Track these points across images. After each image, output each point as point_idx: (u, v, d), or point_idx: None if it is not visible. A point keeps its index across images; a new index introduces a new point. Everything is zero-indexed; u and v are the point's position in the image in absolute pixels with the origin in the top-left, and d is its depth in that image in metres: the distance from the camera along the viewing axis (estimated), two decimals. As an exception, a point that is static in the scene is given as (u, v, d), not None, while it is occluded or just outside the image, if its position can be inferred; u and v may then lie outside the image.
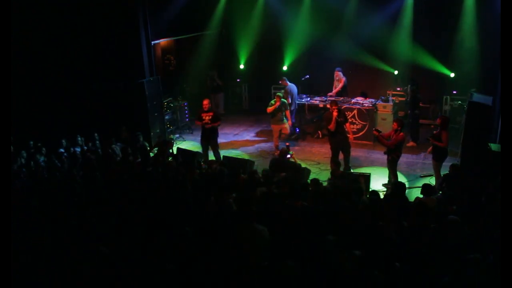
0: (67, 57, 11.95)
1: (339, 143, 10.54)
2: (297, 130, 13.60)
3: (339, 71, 13.66)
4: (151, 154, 10.63)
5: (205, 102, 10.97)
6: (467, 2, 12.45)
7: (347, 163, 10.67)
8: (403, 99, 13.41)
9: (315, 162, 11.46)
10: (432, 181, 9.67)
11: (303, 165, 10.20)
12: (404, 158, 10.55)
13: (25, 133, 10.54)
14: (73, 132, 10.86)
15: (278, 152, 10.60)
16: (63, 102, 11.81)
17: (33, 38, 11.57)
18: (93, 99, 11.97)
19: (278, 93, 12.08)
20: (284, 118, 12.02)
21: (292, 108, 13.13)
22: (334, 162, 9.49)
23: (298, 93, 13.85)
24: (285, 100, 12.15)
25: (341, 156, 10.55)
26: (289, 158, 9.76)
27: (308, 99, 13.54)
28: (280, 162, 9.53)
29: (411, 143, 12.09)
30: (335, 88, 13.79)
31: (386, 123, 12.24)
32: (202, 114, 10.92)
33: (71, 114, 11.63)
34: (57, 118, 11.51)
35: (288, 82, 13.20)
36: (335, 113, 10.28)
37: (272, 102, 11.86)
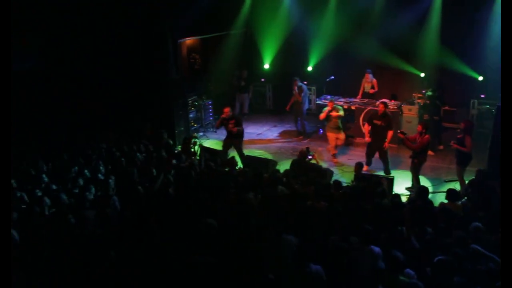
0: (93, 55, 12.08)
1: (376, 148, 10.60)
2: (321, 130, 13.55)
3: (369, 73, 13.52)
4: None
5: (226, 110, 11.07)
6: (497, 4, 12.18)
7: (387, 170, 10.65)
8: (428, 102, 13.15)
9: (339, 164, 11.40)
10: (457, 186, 9.50)
11: (325, 167, 10.16)
12: (428, 162, 10.39)
13: (51, 133, 10.78)
14: (98, 130, 11.03)
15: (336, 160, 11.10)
16: (87, 100, 11.92)
17: (62, 39, 11.73)
18: (118, 96, 12.12)
19: (330, 98, 11.81)
20: (340, 125, 11.64)
21: (306, 107, 13.37)
22: (358, 164, 9.43)
23: (323, 94, 13.84)
24: (340, 107, 11.76)
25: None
26: (310, 159, 9.69)
27: (333, 100, 13.42)
28: (301, 163, 9.49)
29: (428, 152, 11.66)
30: (363, 89, 13.68)
31: (411, 126, 12.07)
32: (224, 121, 11.05)
33: (95, 111, 11.76)
34: (82, 116, 11.64)
35: (299, 83, 13.19)
36: (378, 122, 10.45)
37: (325, 108, 11.57)
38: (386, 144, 10.51)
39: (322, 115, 11.55)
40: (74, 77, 11.88)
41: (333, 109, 11.45)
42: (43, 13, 11.17)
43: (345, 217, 6.67)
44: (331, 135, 11.63)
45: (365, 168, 10.38)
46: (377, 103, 11.79)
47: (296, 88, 13.10)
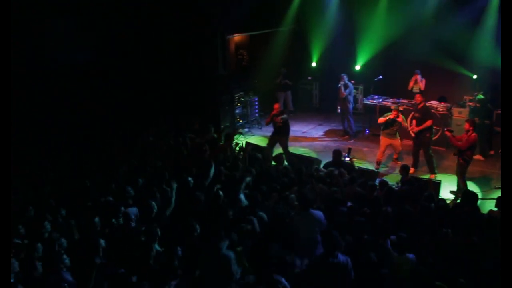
0: (143, 50, 12.35)
1: (418, 142, 10.59)
2: (367, 131, 13.40)
3: (418, 73, 13.19)
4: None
5: (276, 106, 11.34)
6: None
7: (431, 169, 10.51)
8: (478, 105, 12.72)
9: (384, 165, 11.24)
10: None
11: (370, 168, 10.05)
12: (478, 167, 10.11)
13: (104, 125, 11.17)
14: (147, 123, 11.35)
15: (378, 167, 10.86)
16: (136, 93, 12.20)
17: (112, 34, 12.07)
18: (167, 91, 12.38)
19: (396, 107, 11.23)
20: (397, 134, 11.02)
21: (351, 105, 13.13)
22: (403, 167, 9.23)
23: (370, 94, 13.64)
24: (404, 117, 11.21)
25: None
26: (348, 159, 9.57)
27: (380, 100, 13.26)
28: (336, 163, 9.37)
29: (478, 156, 10.99)
30: (411, 90, 13.39)
31: (461, 129, 11.64)
32: (275, 118, 11.15)
33: (144, 105, 12.02)
34: (131, 110, 11.94)
35: (346, 79, 12.97)
36: (416, 115, 10.52)
37: (388, 113, 11.07)
38: (413, 128, 10.52)
39: (382, 120, 11.02)
40: (120, 72, 12.18)
41: (397, 118, 10.86)
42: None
43: (382, 219, 6.63)
44: (384, 140, 11.06)
45: (411, 170, 10.20)
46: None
47: (341, 83, 12.93)
